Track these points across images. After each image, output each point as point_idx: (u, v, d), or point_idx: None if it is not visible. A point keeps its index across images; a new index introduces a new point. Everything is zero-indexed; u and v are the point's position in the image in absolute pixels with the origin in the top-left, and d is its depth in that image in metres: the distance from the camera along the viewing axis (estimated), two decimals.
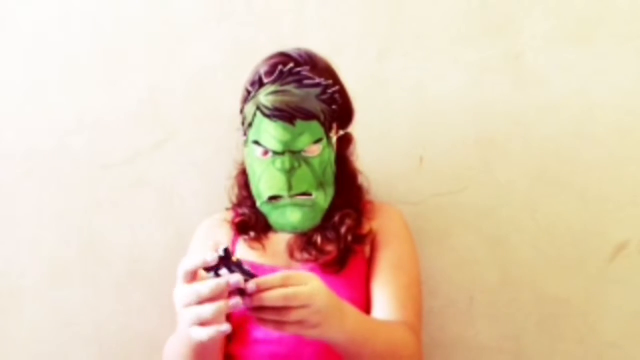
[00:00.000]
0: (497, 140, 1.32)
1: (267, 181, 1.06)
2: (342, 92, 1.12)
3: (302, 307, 0.79)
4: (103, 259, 1.34)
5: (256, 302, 0.78)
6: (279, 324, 0.80)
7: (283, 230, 1.08)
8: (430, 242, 1.31)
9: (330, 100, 1.05)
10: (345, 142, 1.15)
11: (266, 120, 1.03)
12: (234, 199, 1.19)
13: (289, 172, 1.04)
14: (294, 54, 1.09)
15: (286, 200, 1.05)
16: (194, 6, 1.33)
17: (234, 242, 1.15)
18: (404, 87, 1.32)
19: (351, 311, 0.90)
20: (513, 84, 1.31)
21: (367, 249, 1.12)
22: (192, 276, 0.80)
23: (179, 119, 1.35)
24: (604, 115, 1.30)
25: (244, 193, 1.16)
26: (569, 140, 1.32)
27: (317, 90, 1.03)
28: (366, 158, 1.21)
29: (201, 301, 0.78)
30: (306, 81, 1.03)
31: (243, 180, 1.15)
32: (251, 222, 1.13)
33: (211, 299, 0.77)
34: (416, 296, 1.10)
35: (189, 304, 0.78)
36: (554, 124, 1.32)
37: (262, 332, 1.05)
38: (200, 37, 1.34)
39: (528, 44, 1.31)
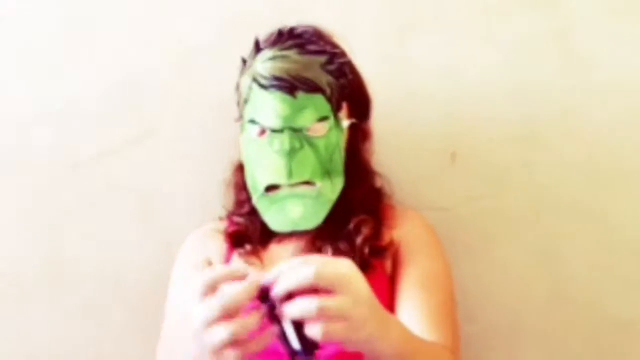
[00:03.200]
0: (541, 133, 1.26)
1: (263, 167, 1.00)
2: (354, 71, 1.06)
3: (338, 319, 0.70)
4: (72, 277, 1.27)
5: (282, 313, 0.71)
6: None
7: (281, 229, 1.01)
8: (465, 256, 1.25)
9: (339, 73, 0.99)
10: (360, 135, 1.08)
11: (263, 93, 0.97)
12: (229, 205, 1.12)
13: (289, 155, 0.97)
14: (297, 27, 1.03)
15: (285, 190, 0.99)
16: None
17: (227, 257, 1.07)
18: (430, 72, 1.27)
19: (395, 322, 0.82)
20: (558, 66, 1.26)
21: (388, 263, 1.05)
22: (213, 291, 0.73)
23: (161, 109, 1.28)
24: None
25: (241, 195, 1.09)
26: (626, 131, 1.26)
27: (323, 58, 0.97)
28: (387, 156, 1.15)
29: (230, 314, 0.70)
30: (310, 46, 0.97)
31: (239, 178, 1.09)
32: (247, 232, 1.06)
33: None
34: (452, 317, 1.03)
35: (215, 321, 0.69)
36: (608, 112, 1.26)
37: None
38: (186, 12, 1.28)
39: (575, 18, 1.27)
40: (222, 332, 0.69)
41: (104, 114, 1.27)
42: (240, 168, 1.09)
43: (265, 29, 1.04)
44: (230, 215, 1.11)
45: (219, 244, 1.08)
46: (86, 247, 1.27)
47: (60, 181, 1.27)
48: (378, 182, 1.11)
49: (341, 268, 0.73)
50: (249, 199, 1.05)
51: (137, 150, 1.27)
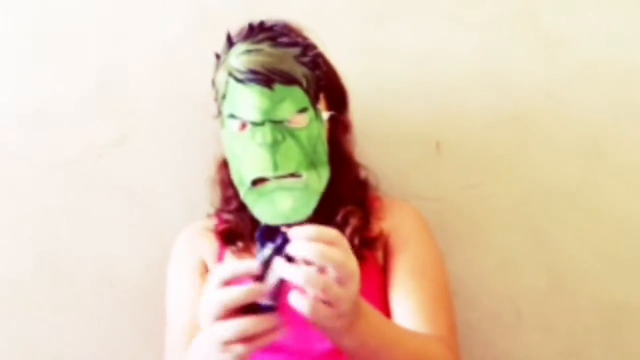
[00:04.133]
0: (526, 117, 1.25)
1: (248, 161, 0.98)
2: (327, 63, 1.06)
3: (341, 284, 0.72)
4: (63, 278, 1.25)
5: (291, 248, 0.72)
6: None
7: (272, 222, 0.98)
8: (461, 244, 1.24)
9: (313, 65, 0.98)
10: (341, 127, 1.08)
11: (240, 87, 0.95)
12: (217, 202, 1.12)
13: (273, 147, 0.96)
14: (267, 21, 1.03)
15: (272, 183, 0.97)
16: None
17: (220, 255, 1.07)
18: (407, 61, 1.26)
19: (371, 316, 0.82)
20: (538, 48, 1.25)
21: (379, 254, 1.05)
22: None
23: (143, 107, 1.26)
24: None
25: (228, 192, 1.08)
26: (611, 112, 1.25)
27: (296, 50, 0.96)
28: (371, 148, 1.15)
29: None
30: (282, 39, 0.96)
31: (224, 175, 1.08)
32: (237, 229, 1.05)
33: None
34: (447, 306, 1.02)
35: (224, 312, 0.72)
36: (593, 94, 1.25)
37: None
38: (163, 8, 1.26)
39: None
40: (233, 327, 0.71)
41: (86, 113, 1.25)
42: (224, 164, 1.07)
43: (240, 23, 1.02)
44: (218, 213, 1.10)
45: (211, 243, 1.07)
46: (78, 248, 1.25)
47: (50, 182, 1.25)
48: (362, 174, 1.10)
49: (354, 262, 0.74)
50: (236, 195, 1.04)
51: (121, 149, 1.25)
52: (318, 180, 0.99)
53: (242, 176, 1.00)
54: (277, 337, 0.73)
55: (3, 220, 1.25)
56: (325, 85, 1.01)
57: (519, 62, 1.25)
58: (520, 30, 1.25)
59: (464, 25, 1.25)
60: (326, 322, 0.74)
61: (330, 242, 0.72)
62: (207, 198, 1.13)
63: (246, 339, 0.72)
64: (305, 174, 0.97)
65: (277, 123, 0.96)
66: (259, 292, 0.72)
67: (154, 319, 1.04)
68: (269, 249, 0.73)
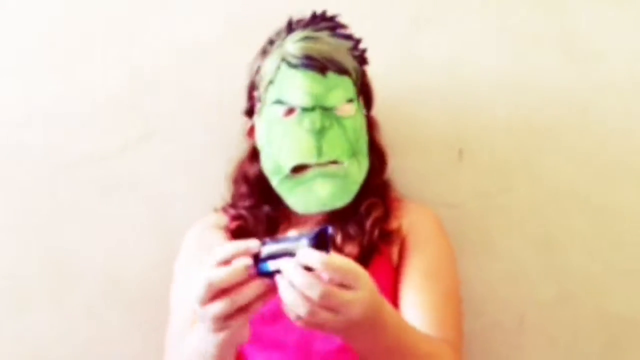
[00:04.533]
0: (549, 128, 1.24)
1: (291, 146, 0.97)
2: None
3: (332, 310, 0.70)
4: (73, 277, 1.24)
5: (289, 275, 0.69)
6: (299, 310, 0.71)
7: (307, 210, 0.98)
8: (473, 252, 1.23)
9: (361, 59, 1.01)
10: (372, 124, 1.08)
11: (293, 72, 0.96)
12: (229, 198, 1.10)
13: (319, 134, 0.96)
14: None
15: (314, 170, 0.97)
16: None
17: None
18: (437, 68, 1.25)
19: (393, 322, 0.80)
20: (565, 61, 1.25)
21: (394, 251, 1.03)
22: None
23: (162, 108, 1.24)
24: None
25: (242, 189, 1.07)
26: (632, 122, 1.24)
27: (349, 43, 0.99)
28: (395, 153, 1.13)
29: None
30: (340, 30, 0.99)
31: (245, 170, 1.07)
32: (249, 226, 1.03)
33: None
34: (456, 311, 1.01)
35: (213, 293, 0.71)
36: (615, 106, 1.24)
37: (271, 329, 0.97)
38: (187, 11, 1.25)
39: (581, 12, 1.25)
40: (221, 305, 0.70)
41: (105, 113, 1.24)
42: (248, 159, 1.07)
43: (272, 25, 1.04)
44: (227, 208, 1.08)
45: (221, 241, 1.04)
46: (87, 247, 1.24)
47: (59, 181, 1.24)
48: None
49: (362, 274, 0.73)
50: (251, 192, 1.04)
51: (139, 150, 1.24)
52: (359, 169, 0.99)
53: (279, 164, 0.98)
54: (269, 299, 0.72)
55: (16, 217, 1.24)
56: (363, 82, 1.04)
57: (547, 74, 1.24)
58: (546, 41, 1.24)
59: (499, 37, 1.24)
60: (330, 326, 0.72)
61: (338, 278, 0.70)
62: (222, 200, 1.11)
63: (239, 310, 0.71)
64: (347, 162, 0.97)
65: (326, 110, 0.96)
66: (246, 270, 0.71)
67: (163, 317, 1.05)
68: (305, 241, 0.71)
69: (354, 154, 0.98)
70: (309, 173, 0.97)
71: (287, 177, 0.98)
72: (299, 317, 0.71)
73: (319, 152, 0.96)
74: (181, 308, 1.00)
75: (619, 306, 1.23)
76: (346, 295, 0.70)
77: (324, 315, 0.70)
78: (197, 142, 1.25)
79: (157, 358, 0.98)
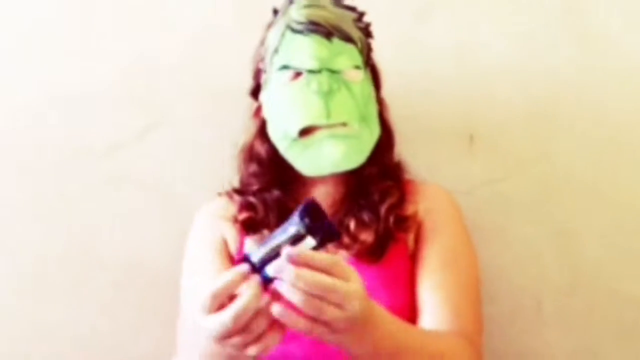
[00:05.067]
0: (559, 114, 1.24)
1: (299, 109, 0.94)
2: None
3: (337, 306, 0.67)
4: (89, 268, 1.24)
5: (288, 277, 0.65)
6: (304, 318, 0.68)
7: (319, 172, 0.96)
8: (486, 238, 1.20)
9: (366, 32, 1.00)
10: (382, 105, 1.06)
11: (299, 37, 0.95)
12: (237, 182, 1.05)
13: (327, 95, 0.93)
14: None
15: (323, 132, 0.94)
16: None
17: (240, 244, 1.01)
18: (447, 54, 1.24)
19: (386, 322, 0.77)
20: (575, 46, 1.24)
21: (410, 238, 0.99)
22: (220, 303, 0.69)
23: (174, 98, 1.24)
24: None
25: (250, 168, 1.03)
26: None
27: (354, 15, 0.99)
28: (405, 139, 1.10)
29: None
30: (343, 1, 0.99)
31: (252, 151, 1.03)
32: (259, 215, 0.99)
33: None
34: (475, 300, 0.98)
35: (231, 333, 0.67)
36: (625, 92, 1.24)
37: None
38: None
39: None
40: (224, 318, 0.66)
41: (117, 102, 1.24)
42: (251, 142, 1.03)
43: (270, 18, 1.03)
44: (232, 194, 1.04)
45: (231, 228, 1.02)
46: (103, 237, 1.24)
47: (74, 171, 1.23)
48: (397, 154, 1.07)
49: (350, 268, 0.70)
50: (262, 172, 1.01)
51: (151, 139, 1.24)
52: (370, 133, 0.97)
53: (287, 128, 0.95)
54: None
55: (34, 206, 1.23)
56: (370, 61, 1.02)
57: (556, 60, 1.23)
58: (556, 28, 1.24)
59: (508, 22, 1.24)
60: (327, 338, 0.70)
61: (324, 270, 0.67)
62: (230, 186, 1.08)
63: (241, 329, 0.67)
64: (357, 125, 0.95)
65: (333, 73, 0.94)
66: (244, 276, 0.68)
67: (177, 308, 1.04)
68: (295, 226, 0.68)
69: (363, 118, 0.95)
70: (318, 134, 0.94)
71: (295, 140, 0.95)
72: (305, 327, 0.67)
73: (328, 113, 0.93)
74: (192, 302, 0.96)
75: (632, 289, 1.23)
76: (345, 285, 0.67)
77: (331, 312, 0.67)
78: (208, 131, 1.24)
79: (172, 352, 0.98)
